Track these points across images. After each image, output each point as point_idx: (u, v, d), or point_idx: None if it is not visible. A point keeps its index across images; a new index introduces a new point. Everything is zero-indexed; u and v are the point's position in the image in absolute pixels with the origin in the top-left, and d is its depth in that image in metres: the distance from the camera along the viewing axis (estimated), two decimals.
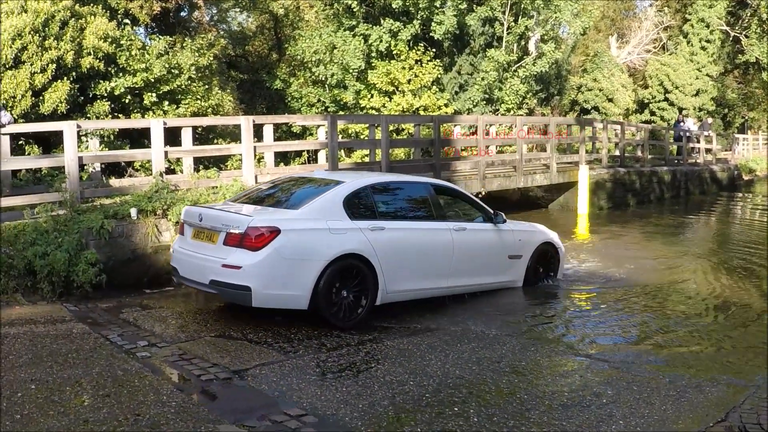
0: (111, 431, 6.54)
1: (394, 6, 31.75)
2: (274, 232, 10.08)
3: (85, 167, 16.84)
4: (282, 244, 10.07)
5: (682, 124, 41.43)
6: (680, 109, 47.20)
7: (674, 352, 10.19)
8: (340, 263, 10.46)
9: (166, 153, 16.08)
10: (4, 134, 14.70)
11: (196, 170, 16.98)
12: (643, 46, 53.52)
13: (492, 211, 13.29)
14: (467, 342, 10.20)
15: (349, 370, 8.58)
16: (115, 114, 22.26)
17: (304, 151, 27.48)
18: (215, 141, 25.45)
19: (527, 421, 7.23)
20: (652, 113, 48.69)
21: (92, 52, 21.02)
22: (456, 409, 7.46)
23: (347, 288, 10.61)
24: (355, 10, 33.02)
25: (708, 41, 48.48)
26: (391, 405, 7.52)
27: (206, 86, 25.68)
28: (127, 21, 24.46)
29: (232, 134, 26.20)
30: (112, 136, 21.41)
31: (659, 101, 48.51)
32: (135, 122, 20.53)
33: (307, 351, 9.33)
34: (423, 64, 32.55)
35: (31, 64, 19.39)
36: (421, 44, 32.81)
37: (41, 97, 19.67)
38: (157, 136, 15.83)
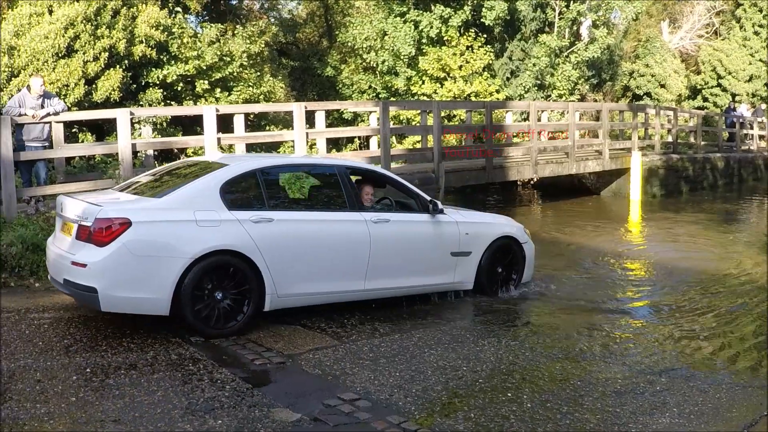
0: (165, 413, 6.59)
1: None
2: (125, 224, 8.62)
3: (138, 154, 16.97)
4: (132, 238, 8.60)
5: (733, 110, 40.96)
6: (733, 96, 46.60)
7: (729, 339, 10.07)
8: (210, 261, 8.89)
9: (218, 140, 16.14)
10: (57, 122, 14.85)
11: None
12: (695, 31, 52.88)
13: (428, 199, 11.16)
14: (519, 327, 10.19)
15: (402, 355, 8.55)
16: (168, 101, 22.46)
17: (355, 137, 27.57)
18: (267, 127, 25.64)
19: (581, 407, 7.19)
20: (705, 99, 48.02)
21: (144, 41, 21.24)
22: (509, 394, 7.43)
23: (223, 290, 9.02)
24: None
25: (761, 26, 47.65)
26: (444, 390, 7.51)
27: (258, 73, 25.85)
28: (178, 9, 24.65)
29: (284, 121, 26.38)
30: (164, 123, 21.62)
31: (712, 87, 47.84)
32: (187, 109, 20.70)
33: (360, 336, 9.33)
34: (474, 50, 32.43)
35: (84, 53, 19.62)
36: (472, 30, 32.65)
37: (94, 85, 19.90)
38: (210, 123, 15.91)
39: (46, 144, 14.80)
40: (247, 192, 9.76)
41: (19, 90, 16.04)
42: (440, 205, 11.16)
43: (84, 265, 8.58)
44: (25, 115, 14.22)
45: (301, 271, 9.64)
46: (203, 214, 9.01)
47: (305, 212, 10.24)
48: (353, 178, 11.01)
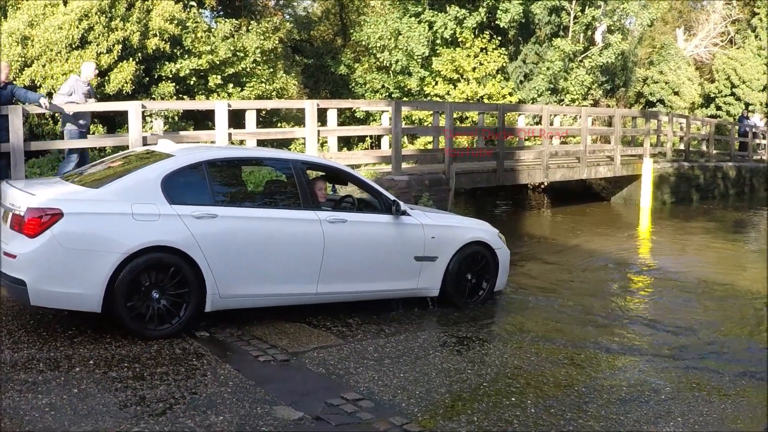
0: (168, 408, 6.59)
1: None
2: (56, 215, 8.21)
3: None
4: (63, 230, 8.19)
5: (746, 119, 40.87)
6: (746, 105, 46.44)
7: (735, 350, 10.05)
8: (146, 257, 8.45)
9: (230, 135, 16.15)
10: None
11: None
12: (710, 39, 52.73)
13: (392, 199, 10.49)
14: (526, 332, 10.15)
15: (407, 356, 8.54)
16: (180, 95, 22.43)
17: (367, 136, 27.55)
18: (279, 124, 25.65)
19: (585, 413, 7.19)
20: (718, 108, 47.83)
21: (158, 34, 21.23)
22: (513, 399, 7.43)
23: (160, 289, 8.56)
24: None
25: None
26: (448, 393, 7.51)
27: (271, 70, 25.81)
28: (193, 3, 24.62)
29: (296, 118, 26.41)
30: (176, 117, 21.61)
31: (725, 96, 47.63)
32: (199, 104, 20.76)
33: (365, 336, 9.31)
34: (488, 53, 32.35)
35: (98, 45, 19.60)
36: (487, 32, 32.58)
37: (107, 77, 19.88)
38: (222, 118, 15.91)
39: (84, 130, 15.09)
40: (191, 185, 9.23)
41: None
42: (404, 206, 10.51)
43: (14, 256, 8.28)
44: (74, 102, 14.54)
45: (247, 272, 9.20)
46: (141, 207, 8.59)
47: (254, 209, 9.60)
48: (315, 174, 10.83)
